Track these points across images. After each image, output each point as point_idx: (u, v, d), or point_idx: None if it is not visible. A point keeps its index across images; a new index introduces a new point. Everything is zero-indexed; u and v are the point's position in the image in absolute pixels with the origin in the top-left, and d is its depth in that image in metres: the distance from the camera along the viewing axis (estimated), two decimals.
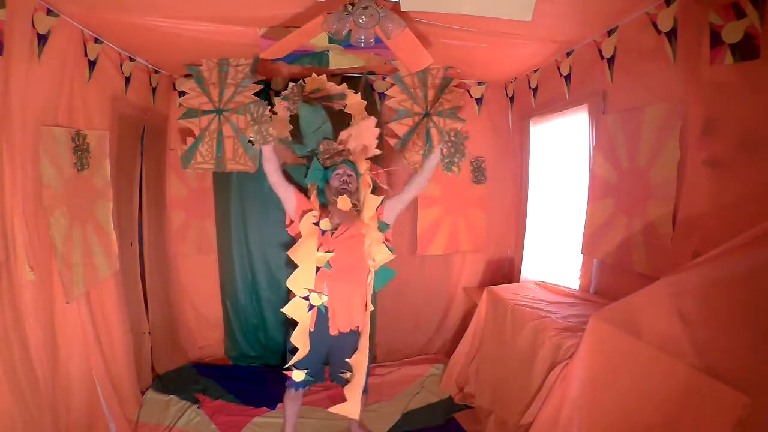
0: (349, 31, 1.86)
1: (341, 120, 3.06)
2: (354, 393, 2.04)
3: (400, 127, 3.23)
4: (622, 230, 2.18)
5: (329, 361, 2.25)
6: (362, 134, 2.37)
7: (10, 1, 1.64)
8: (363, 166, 2.25)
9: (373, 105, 3.23)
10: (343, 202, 2.09)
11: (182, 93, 3.06)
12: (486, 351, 2.71)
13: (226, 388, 2.99)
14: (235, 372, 3.27)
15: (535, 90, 3.06)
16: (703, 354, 1.25)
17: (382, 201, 2.19)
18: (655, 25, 1.92)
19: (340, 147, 2.25)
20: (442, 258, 3.54)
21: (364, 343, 2.11)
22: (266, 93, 3.16)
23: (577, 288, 2.64)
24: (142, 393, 2.83)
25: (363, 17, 1.77)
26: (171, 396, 2.82)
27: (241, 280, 3.41)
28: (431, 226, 3.41)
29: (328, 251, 2.06)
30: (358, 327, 2.14)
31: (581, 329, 1.80)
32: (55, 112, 2.00)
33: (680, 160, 1.85)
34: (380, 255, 2.14)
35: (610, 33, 2.22)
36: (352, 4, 1.78)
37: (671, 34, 1.85)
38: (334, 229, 2.10)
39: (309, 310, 2.07)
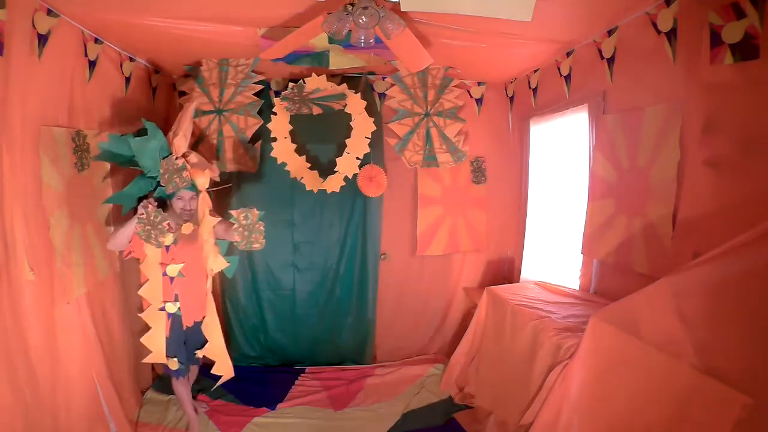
0: (349, 31, 1.87)
1: (341, 120, 3.07)
2: (218, 352, 2.44)
3: (400, 128, 3.23)
4: (622, 230, 2.18)
5: (187, 348, 2.45)
6: (183, 125, 2.37)
7: (10, 2, 1.64)
8: (201, 181, 2.28)
9: (373, 105, 3.23)
10: (187, 228, 2.31)
11: (182, 93, 3.06)
12: (486, 351, 2.71)
13: (226, 388, 2.98)
14: (236, 372, 3.25)
15: (535, 90, 3.06)
16: (704, 354, 1.25)
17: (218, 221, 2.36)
18: (655, 25, 1.92)
19: (179, 163, 2.22)
20: (442, 258, 3.54)
21: (210, 313, 2.39)
22: (266, 93, 3.17)
23: (577, 288, 2.64)
24: (142, 393, 2.83)
25: (363, 17, 1.77)
26: (171, 396, 2.82)
27: (242, 280, 3.41)
28: (431, 226, 3.41)
29: (178, 263, 2.30)
30: (203, 317, 2.41)
31: (581, 329, 1.80)
32: (55, 112, 2.00)
33: (680, 160, 1.85)
34: (217, 265, 2.37)
35: (610, 33, 2.22)
36: (352, 4, 1.78)
37: (671, 34, 1.85)
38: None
39: (169, 317, 2.34)
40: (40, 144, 1.87)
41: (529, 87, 3.10)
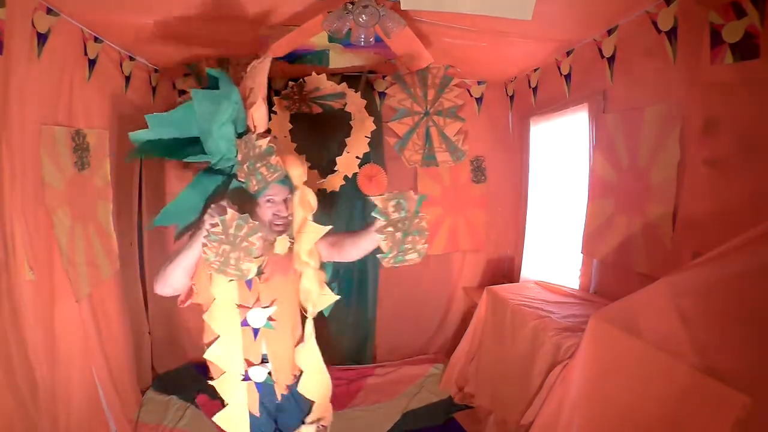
0: (350, 29, 1.87)
1: (341, 119, 3.07)
2: (318, 392, 1.64)
3: (400, 127, 3.23)
4: (622, 230, 2.17)
5: (279, 426, 1.65)
6: (257, 76, 1.58)
7: (10, 1, 1.63)
8: (297, 173, 1.53)
9: (373, 104, 3.23)
10: (282, 245, 1.53)
11: (182, 92, 3.06)
12: (486, 351, 2.71)
13: None
14: None
15: (535, 89, 3.06)
16: (703, 354, 1.25)
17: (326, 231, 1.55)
18: (655, 24, 1.92)
19: (263, 145, 1.41)
20: (442, 258, 3.53)
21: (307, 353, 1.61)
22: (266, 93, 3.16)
23: (577, 288, 2.64)
24: (142, 393, 2.83)
25: (363, 16, 1.77)
26: (171, 396, 2.82)
27: None
28: (431, 225, 3.40)
29: (264, 306, 1.50)
30: (300, 371, 1.62)
31: (581, 329, 1.80)
32: (55, 111, 2.00)
33: (680, 160, 1.84)
34: (323, 302, 1.61)
35: (610, 32, 2.21)
36: (353, 3, 1.78)
37: (671, 34, 1.85)
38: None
39: (258, 390, 1.55)
40: (40, 143, 1.86)
41: (529, 86, 3.09)
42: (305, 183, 1.58)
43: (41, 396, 1.82)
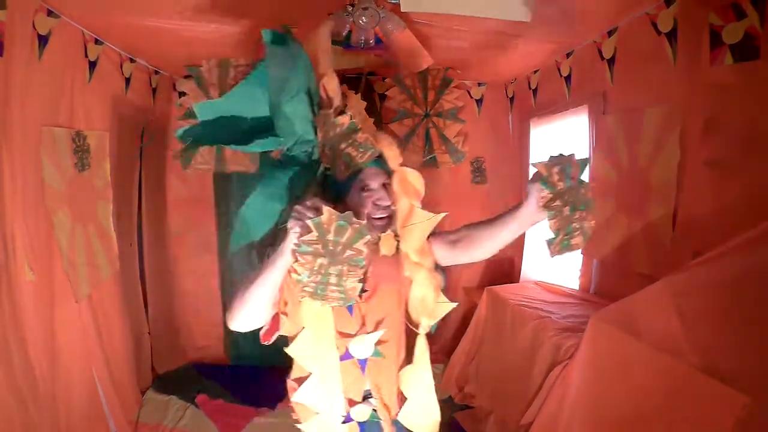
0: (350, 31, 1.87)
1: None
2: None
3: (400, 128, 3.23)
4: (623, 230, 2.18)
5: None
6: (323, 54, 1.33)
7: (10, 2, 1.64)
8: (392, 153, 1.20)
9: (373, 106, 3.23)
10: (389, 245, 1.22)
11: (182, 94, 3.06)
12: (486, 351, 2.71)
13: (226, 388, 2.99)
14: (235, 372, 3.26)
15: (535, 91, 3.06)
16: (703, 354, 1.25)
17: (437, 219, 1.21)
18: (655, 25, 1.92)
19: (344, 121, 1.16)
20: None
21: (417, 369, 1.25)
22: None
23: (577, 288, 2.64)
24: (142, 393, 2.83)
25: (363, 18, 1.77)
26: (171, 396, 2.82)
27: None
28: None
29: (371, 327, 1.18)
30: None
31: (581, 329, 1.80)
32: (55, 113, 2.00)
33: (680, 160, 1.85)
34: (439, 311, 1.29)
35: (610, 34, 2.22)
36: (353, 5, 1.78)
37: (671, 35, 1.85)
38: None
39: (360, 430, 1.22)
40: (41, 144, 1.87)
41: (529, 88, 3.10)
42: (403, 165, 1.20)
43: (41, 396, 1.82)
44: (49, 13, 1.88)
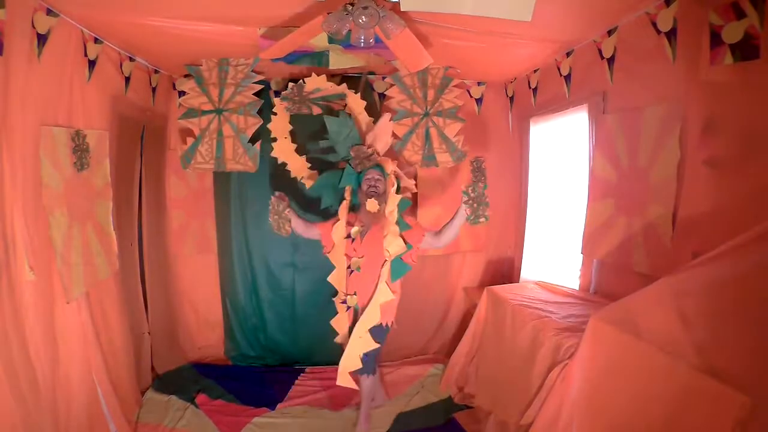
0: (349, 31, 1.87)
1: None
2: (351, 344, 2.32)
3: (399, 128, 3.23)
4: (622, 230, 2.18)
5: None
6: (382, 133, 2.57)
7: (10, 1, 1.64)
8: (389, 167, 2.41)
9: (373, 105, 3.23)
10: (372, 205, 2.36)
11: (182, 93, 3.06)
12: (486, 351, 2.71)
13: (226, 388, 2.99)
14: (235, 372, 3.27)
15: (535, 90, 3.06)
16: (703, 354, 1.25)
17: (401, 200, 2.35)
18: (654, 25, 1.92)
19: (369, 151, 2.45)
20: (442, 258, 3.54)
21: (372, 302, 2.33)
22: (266, 93, 3.16)
23: (577, 288, 2.64)
24: (142, 393, 2.83)
25: (363, 17, 1.77)
26: (171, 396, 2.82)
27: (241, 280, 3.41)
28: (431, 226, 3.40)
29: (360, 257, 2.38)
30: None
31: (581, 329, 1.80)
32: (54, 112, 2.00)
33: (680, 160, 1.85)
34: (393, 246, 2.29)
35: (610, 33, 2.22)
36: (352, 4, 1.78)
37: (671, 34, 1.85)
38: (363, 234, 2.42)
39: (347, 310, 2.44)
40: (40, 144, 1.86)
41: (529, 87, 3.10)
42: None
43: (42, 395, 1.82)
44: (49, 11, 1.88)
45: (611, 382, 1.56)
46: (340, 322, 2.48)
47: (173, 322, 3.39)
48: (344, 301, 2.43)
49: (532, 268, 3.26)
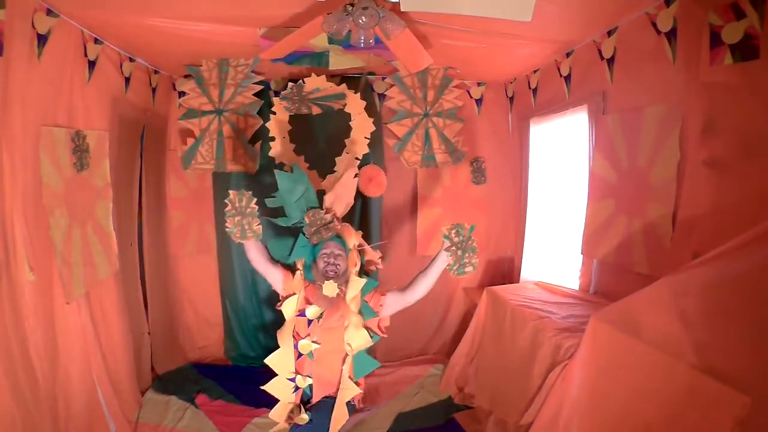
0: (349, 31, 1.87)
1: (341, 120, 3.07)
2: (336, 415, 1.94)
3: (399, 128, 3.23)
4: (622, 230, 2.17)
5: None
6: (345, 192, 2.15)
7: (10, 2, 1.63)
8: (351, 241, 2.04)
9: (373, 105, 3.23)
10: (329, 288, 1.93)
11: (182, 93, 3.06)
12: (486, 351, 2.71)
13: (226, 388, 2.99)
14: (235, 372, 3.26)
15: (535, 90, 3.06)
16: (703, 354, 1.25)
17: (367, 281, 2.03)
18: (654, 25, 1.92)
19: (327, 217, 2.01)
20: None
21: (339, 397, 1.96)
22: (266, 93, 3.16)
23: (577, 288, 2.64)
24: (142, 393, 2.83)
25: (363, 17, 1.77)
26: (171, 396, 2.82)
27: (241, 280, 3.41)
28: (431, 226, 3.41)
29: (313, 341, 1.96)
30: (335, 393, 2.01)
31: (581, 329, 1.80)
32: (54, 113, 2.00)
33: (680, 160, 1.85)
34: (356, 340, 1.95)
35: (609, 33, 2.22)
36: (352, 5, 1.78)
37: (671, 35, 1.85)
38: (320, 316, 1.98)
39: (294, 391, 2.02)
40: (39, 144, 1.86)
41: (529, 87, 3.10)
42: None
43: (42, 395, 1.82)
44: (49, 12, 1.88)
45: (611, 382, 1.56)
46: (279, 410, 2.02)
47: (173, 322, 3.39)
48: (293, 379, 2.00)
49: (532, 269, 3.25)
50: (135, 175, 2.92)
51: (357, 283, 1.98)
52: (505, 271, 3.64)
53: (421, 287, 2.01)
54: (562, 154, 2.93)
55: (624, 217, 2.17)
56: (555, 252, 3.00)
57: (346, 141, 3.03)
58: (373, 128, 3.05)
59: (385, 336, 2.11)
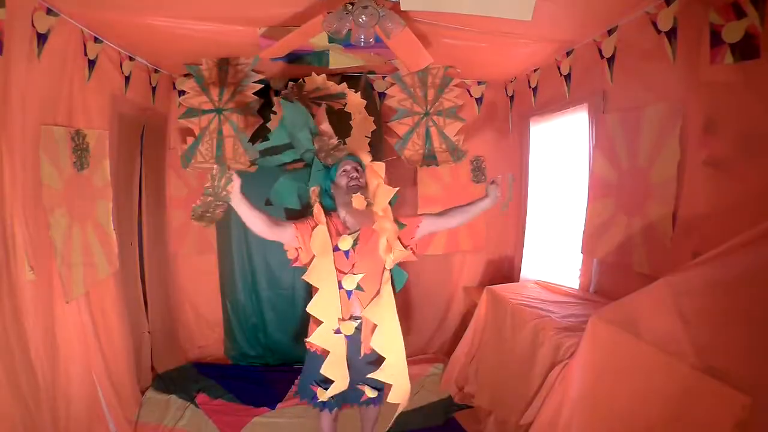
0: (349, 30, 1.86)
1: (341, 119, 3.06)
2: (397, 373, 1.84)
3: (400, 127, 3.23)
4: (622, 230, 2.17)
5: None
6: (328, 127, 2.13)
7: (9, 1, 1.63)
8: (367, 157, 2.03)
9: (373, 104, 3.22)
10: (358, 201, 1.81)
11: (182, 92, 3.06)
12: (486, 350, 2.71)
13: (226, 387, 2.99)
14: (235, 372, 3.27)
15: (535, 89, 3.06)
16: (703, 354, 1.25)
17: (396, 193, 1.90)
18: (655, 24, 1.92)
19: (333, 142, 2.01)
20: (442, 258, 3.53)
21: (388, 319, 1.86)
22: (266, 93, 3.16)
23: (577, 288, 2.64)
24: (142, 393, 2.83)
25: (363, 16, 1.77)
26: (171, 396, 2.82)
27: (241, 280, 3.41)
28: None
29: (358, 271, 1.84)
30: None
31: (581, 329, 1.80)
32: (54, 112, 2.00)
33: (680, 160, 1.84)
34: (395, 252, 1.87)
35: (610, 32, 2.21)
36: (352, 4, 1.78)
37: (671, 34, 1.85)
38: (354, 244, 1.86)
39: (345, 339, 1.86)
40: (39, 143, 1.86)
41: (529, 86, 3.09)
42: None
43: (42, 395, 1.82)
44: (48, 11, 1.87)
45: (611, 381, 1.56)
46: (336, 364, 1.83)
47: (173, 321, 3.39)
48: (338, 331, 1.84)
49: (532, 268, 3.25)
50: (135, 174, 2.92)
51: (386, 192, 1.85)
52: (505, 271, 3.64)
53: (458, 218, 2.00)
54: (562, 153, 2.92)
55: (624, 217, 2.17)
56: (555, 251, 3.00)
57: (347, 140, 3.02)
58: (374, 127, 3.05)
59: (418, 255, 2.01)
